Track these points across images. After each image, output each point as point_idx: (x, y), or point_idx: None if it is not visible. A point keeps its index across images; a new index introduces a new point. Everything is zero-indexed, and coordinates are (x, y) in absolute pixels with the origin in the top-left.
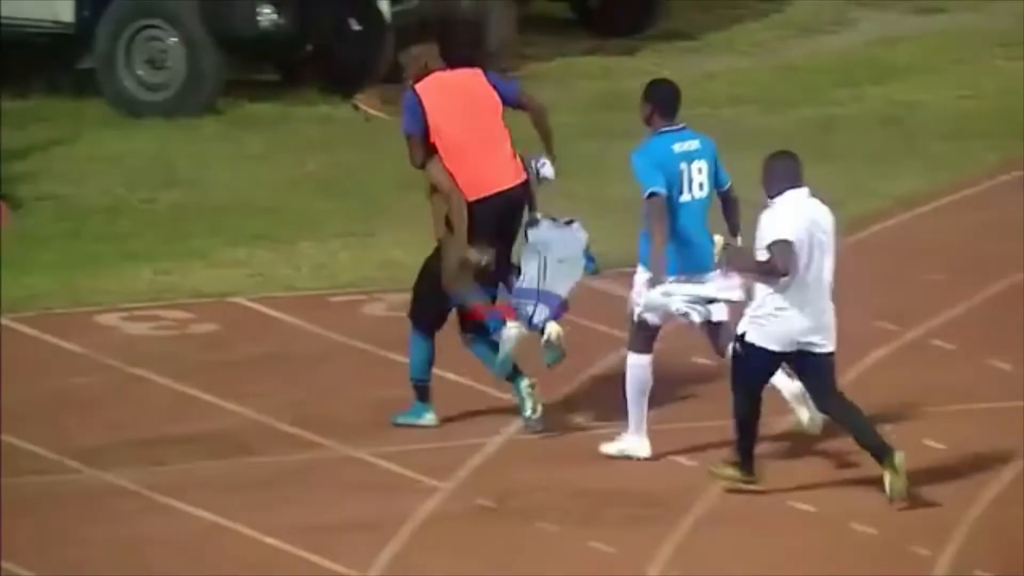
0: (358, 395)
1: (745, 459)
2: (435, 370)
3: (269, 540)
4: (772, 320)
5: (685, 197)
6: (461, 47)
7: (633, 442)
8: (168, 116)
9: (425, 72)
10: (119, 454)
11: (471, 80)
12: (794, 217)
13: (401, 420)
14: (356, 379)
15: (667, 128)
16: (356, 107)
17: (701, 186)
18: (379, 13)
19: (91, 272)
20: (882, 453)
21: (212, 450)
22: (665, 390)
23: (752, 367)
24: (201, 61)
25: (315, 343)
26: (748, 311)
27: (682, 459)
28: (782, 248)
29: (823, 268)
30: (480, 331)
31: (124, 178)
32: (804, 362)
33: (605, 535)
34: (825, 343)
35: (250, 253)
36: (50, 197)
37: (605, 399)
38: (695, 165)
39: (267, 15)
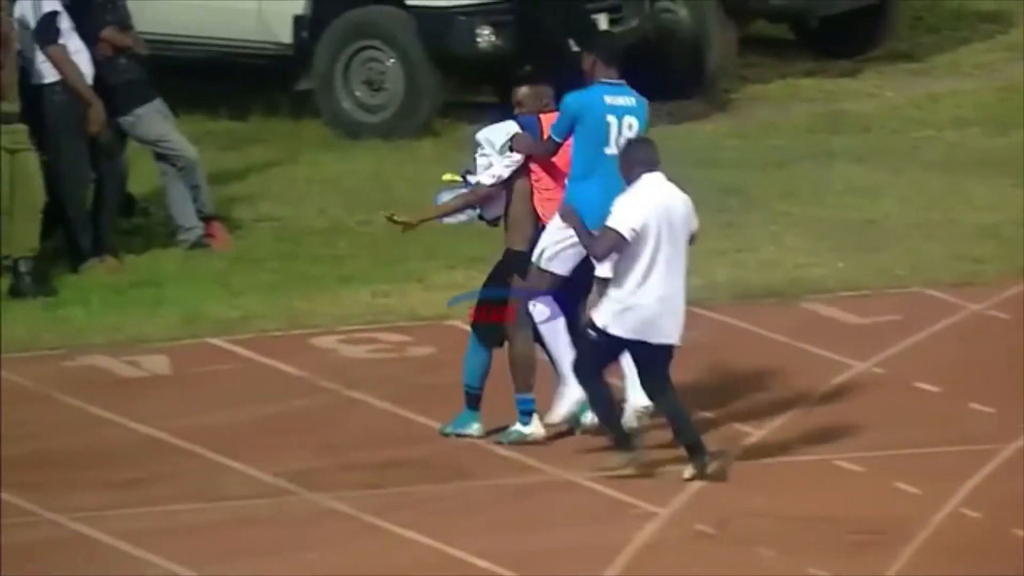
0: None
1: (620, 442)
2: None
3: (482, 564)
4: (621, 304)
5: (610, 150)
6: (681, 68)
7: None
8: (386, 137)
9: (543, 109)
10: (335, 477)
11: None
12: (645, 202)
13: (449, 430)
14: None
15: (605, 80)
16: None
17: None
18: (599, 34)
19: (308, 294)
20: (699, 455)
21: (428, 474)
22: (887, 417)
23: (601, 349)
24: (419, 82)
25: None
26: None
27: (905, 486)
28: (609, 235)
29: (673, 256)
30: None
31: (342, 200)
32: (645, 350)
33: (824, 562)
34: (671, 333)
35: (467, 276)
36: (267, 219)
37: (825, 425)
38: (626, 120)
39: (486, 36)
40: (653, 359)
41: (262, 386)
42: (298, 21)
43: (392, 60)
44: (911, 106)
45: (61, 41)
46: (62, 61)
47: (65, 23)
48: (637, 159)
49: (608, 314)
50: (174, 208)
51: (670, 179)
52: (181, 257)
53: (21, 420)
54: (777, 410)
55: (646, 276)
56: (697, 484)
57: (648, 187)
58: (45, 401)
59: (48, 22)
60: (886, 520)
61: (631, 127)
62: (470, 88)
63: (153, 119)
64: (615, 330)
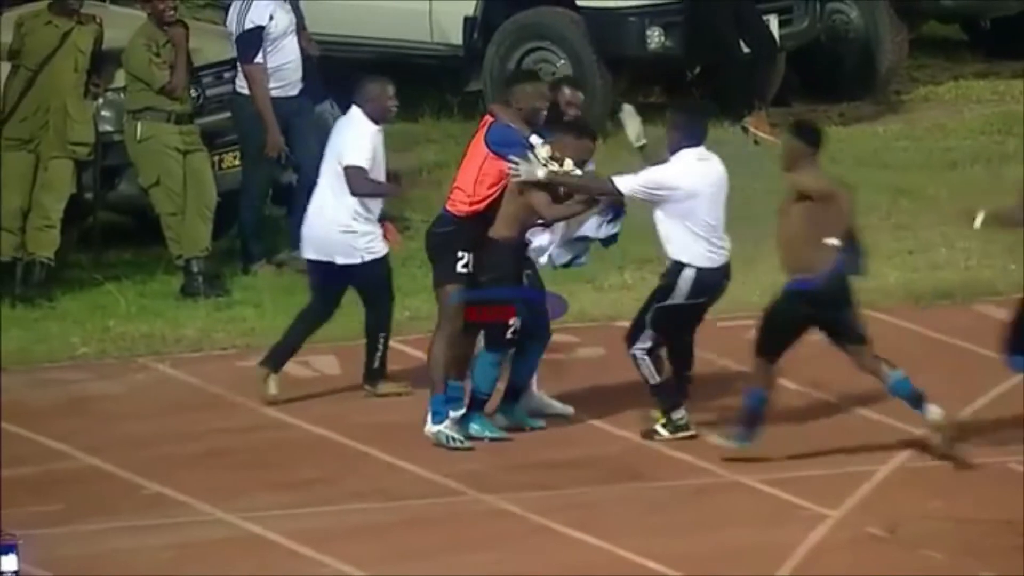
0: None
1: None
2: (824, 397)
3: (652, 565)
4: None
5: None
6: (851, 69)
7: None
8: None
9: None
10: (505, 478)
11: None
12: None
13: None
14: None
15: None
16: (746, 130)
17: None
18: (769, 35)
19: None
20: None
21: (597, 475)
22: None
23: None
24: (589, 83)
25: (701, 368)
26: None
27: None
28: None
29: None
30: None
31: None
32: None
33: (994, 565)
34: None
35: (637, 277)
36: None
37: (998, 427)
38: None
39: (656, 37)
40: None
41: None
42: (468, 23)
43: (562, 61)
44: None
45: (258, 60)
46: (253, 81)
47: (278, 29)
48: (676, 126)
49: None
50: None
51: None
52: None
53: (193, 420)
54: (949, 411)
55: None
56: (868, 487)
57: (683, 162)
58: (217, 401)
59: (247, 39)
60: None
61: None
62: (639, 89)
63: (324, 120)
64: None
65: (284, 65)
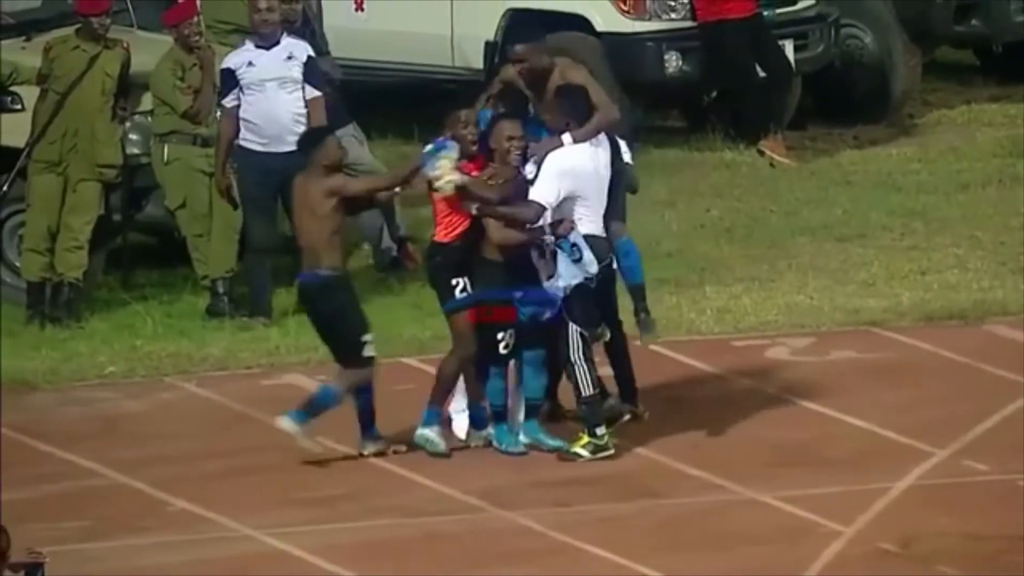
0: (761, 438)
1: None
2: (839, 415)
3: None
4: None
5: None
6: (865, 93)
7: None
8: None
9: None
10: (524, 494)
11: None
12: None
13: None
14: (759, 422)
15: None
16: (762, 153)
17: None
18: (785, 59)
19: None
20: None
21: (615, 492)
22: None
23: None
24: None
25: (717, 387)
26: None
27: None
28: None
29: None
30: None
31: None
32: None
33: None
34: None
35: (656, 298)
36: None
37: (1009, 445)
38: None
39: (673, 61)
40: None
41: None
42: (489, 47)
43: None
44: None
45: (228, 103)
46: (220, 121)
47: (253, 77)
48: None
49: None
50: (367, 230)
51: (853, 205)
52: (374, 278)
53: (219, 437)
54: (960, 430)
55: None
56: (882, 503)
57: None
58: (242, 419)
59: (221, 80)
60: None
61: None
62: (657, 112)
63: (348, 143)
64: None
65: (266, 115)
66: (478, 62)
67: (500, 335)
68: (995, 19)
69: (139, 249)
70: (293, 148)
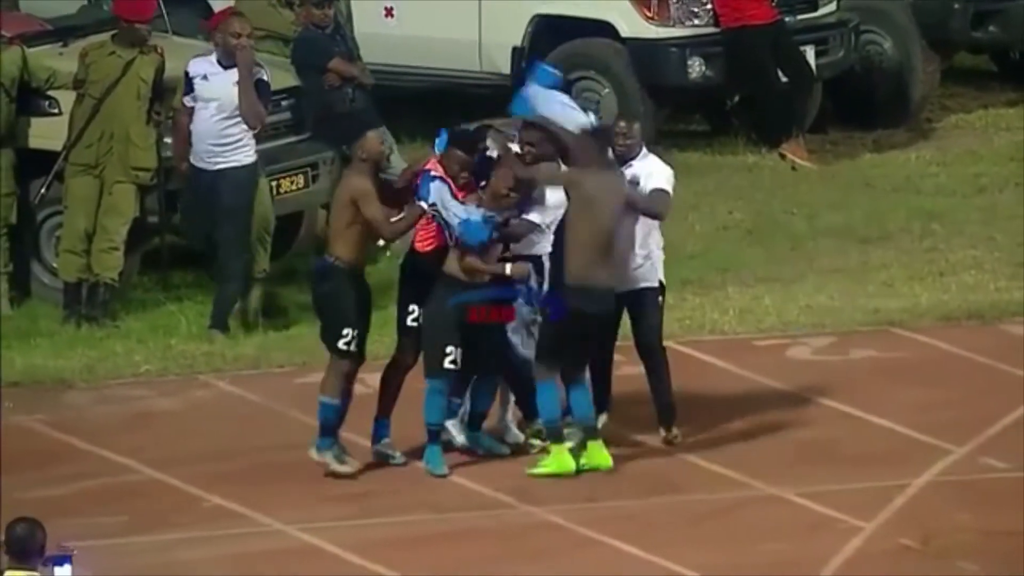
0: (783, 436)
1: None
2: (859, 413)
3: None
4: None
5: None
6: (885, 98)
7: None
8: None
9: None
10: (550, 490)
11: None
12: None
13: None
14: (780, 420)
15: None
16: (783, 156)
17: None
18: (806, 64)
19: None
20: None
21: (640, 488)
22: None
23: None
24: (632, 111)
25: (740, 385)
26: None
27: None
28: None
29: None
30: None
31: None
32: None
33: None
34: None
35: (680, 298)
36: None
37: None
38: None
39: (697, 67)
40: None
41: None
42: (516, 52)
43: (607, 90)
44: None
45: (189, 103)
46: (176, 115)
47: (202, 92)
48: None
49: None
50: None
51: (873, 207)
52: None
53: (252, 435)
54: (978, 427)
55: None
56: (902, 499)
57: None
58: (274, 416)
59: (184, 79)
60: None
61: None
62: (681, 117)
63: None
64: None
65: (198, 131)
66: (505, 67)
67: (448, 349)
68: (1013, 26)
69: (173, 250)
70: (210, 167)
